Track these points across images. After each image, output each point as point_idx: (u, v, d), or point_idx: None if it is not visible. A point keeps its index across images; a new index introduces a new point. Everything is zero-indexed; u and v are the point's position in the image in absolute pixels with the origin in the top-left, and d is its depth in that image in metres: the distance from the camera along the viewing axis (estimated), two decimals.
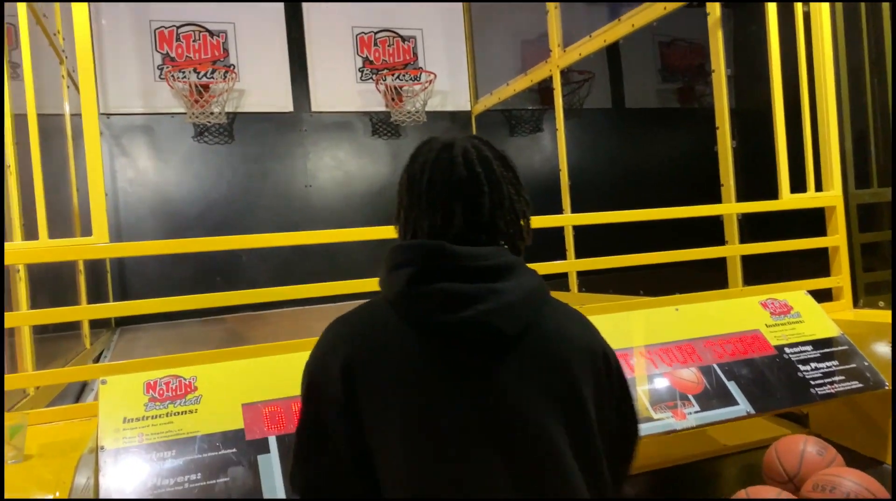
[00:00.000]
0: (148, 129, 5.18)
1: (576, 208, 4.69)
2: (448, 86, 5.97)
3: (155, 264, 5.03)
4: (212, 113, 5.12)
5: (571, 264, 4.19)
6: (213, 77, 5.20)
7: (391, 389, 1.01)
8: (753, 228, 3.17)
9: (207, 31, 5.28)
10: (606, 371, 1.12)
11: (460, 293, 1.01)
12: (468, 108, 6.07)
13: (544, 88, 5.12)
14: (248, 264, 5.18)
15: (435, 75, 5.74)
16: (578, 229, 4.56)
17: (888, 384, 2.28)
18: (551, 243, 4.61)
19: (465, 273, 1.03)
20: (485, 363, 1.02)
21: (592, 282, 4.55)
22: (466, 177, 1.08)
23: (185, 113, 5.13)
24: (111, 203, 4.99)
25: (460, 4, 6.09)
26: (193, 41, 5.23)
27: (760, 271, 2.96)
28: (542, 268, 2.71)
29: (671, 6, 3.62)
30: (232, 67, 5.29)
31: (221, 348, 1.96)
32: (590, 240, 4.50)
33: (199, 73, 5.19)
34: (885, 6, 2.74)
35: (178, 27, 5.22)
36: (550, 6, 4.59)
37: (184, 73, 5.14)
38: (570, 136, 4.90)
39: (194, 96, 5.05)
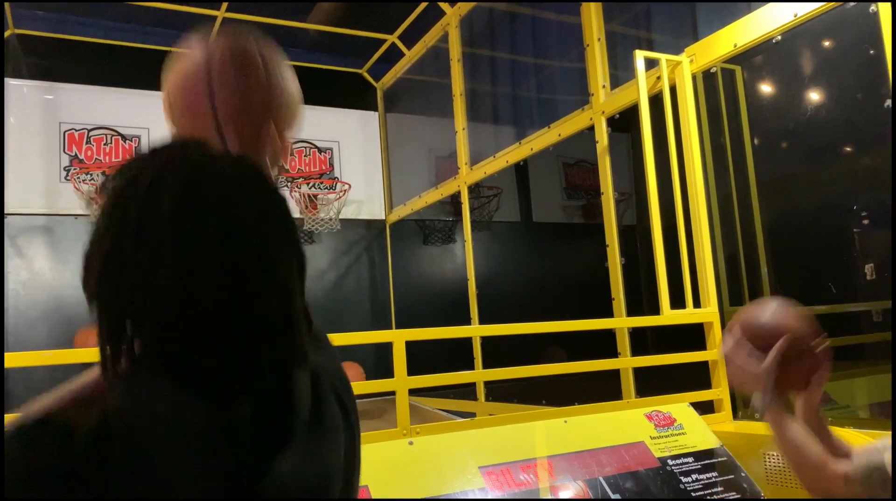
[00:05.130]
0: (48, 230, 5.03)
1: (483, 316, 4.80)
2: (363, 195, 6.13)
3: (44, 369, 4.74)
4: None
5: (478, 375, 4.25)
6: None
7: None
8: (655, 334, 3.33)
9: (120, 135, 5.29)
10: None
11: None
12: (383, 216, 6.22)
13: (456, 201, 5.35)
14: None
15: (350, 185, 5.90)
16: (485, 338, 4.64)
17: (763, 495, 2.38)
18: (460, 351, 4.66)
19: None
20: None
21: (499, 391, 4.59)
22: None
23: (88, 215, 5.04)
24: None
25: (377, 118, 6.38)
26: (104, 144, 5.21)
27: (652, 378, 3.09)
28: (451, 378, 2.76)
29: (565, 133, 3.93)
30: None
31: None
32: (495, 348, 4.58)
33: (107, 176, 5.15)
34: (748, 149, 3.07)
35: (89, 130, 5.21)
36: (458, 128, 4.88)
37: (91, 175, 5.08)
38: (480, 247, 5.09)
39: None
